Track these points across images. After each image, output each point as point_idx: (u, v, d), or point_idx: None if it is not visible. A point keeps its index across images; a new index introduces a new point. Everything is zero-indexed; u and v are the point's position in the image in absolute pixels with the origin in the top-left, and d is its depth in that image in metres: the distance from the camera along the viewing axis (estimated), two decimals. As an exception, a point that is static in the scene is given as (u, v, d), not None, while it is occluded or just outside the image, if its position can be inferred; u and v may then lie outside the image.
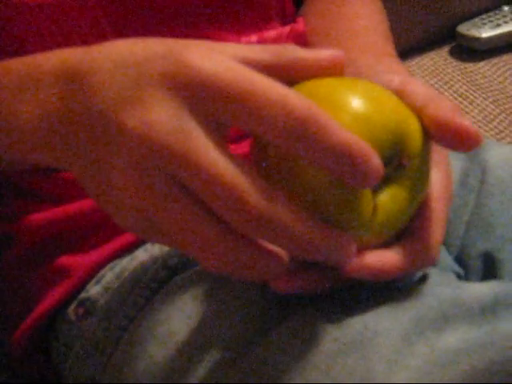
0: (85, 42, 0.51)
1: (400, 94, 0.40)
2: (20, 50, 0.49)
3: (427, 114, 0.39)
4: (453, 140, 0.38)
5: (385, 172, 0.37)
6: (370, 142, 0.36)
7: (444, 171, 0.44)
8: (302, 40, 0.61)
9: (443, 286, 0.43)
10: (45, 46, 0.49)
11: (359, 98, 0.37)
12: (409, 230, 0.41)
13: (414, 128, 0.39)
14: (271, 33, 0.58)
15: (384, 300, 0.42)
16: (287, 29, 0.59)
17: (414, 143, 0.39)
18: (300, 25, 0.62)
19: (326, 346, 0.40)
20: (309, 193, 0.37)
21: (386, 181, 0.39)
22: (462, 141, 0.38)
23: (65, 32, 0.50)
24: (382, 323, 0.40)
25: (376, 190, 0.39)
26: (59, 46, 0.49)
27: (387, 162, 0.38)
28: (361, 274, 0.39)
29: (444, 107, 0.39)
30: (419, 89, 0.41)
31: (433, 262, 0.41)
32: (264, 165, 0.38)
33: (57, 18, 0.50)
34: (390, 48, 0.59)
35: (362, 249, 0.39)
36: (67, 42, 0.50)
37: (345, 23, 0.61)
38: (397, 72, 0.46)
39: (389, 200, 0.39)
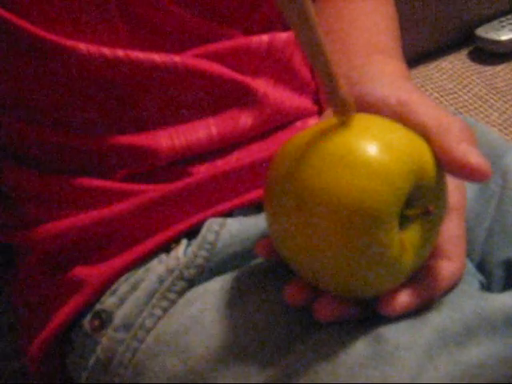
0: (93, 25, 0.50)
1: (401, 116, 0.41)
2: (29, 28, 0.49)
3: (436, 145, 0.40)
4: (461, 174, 0.39)
5: (409, 214, 0.39)
6: (393, 194, 0.37)
7: (453, 183, 0.43)
8: None
9: (466, 297, 0.43)
10: (54, 26, 0.49)
11: (375, 150, 0.38)
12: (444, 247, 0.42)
13: (428, 160, 0.40)
14: (282, 35, 0.57)
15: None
16: None
17: (431, 174, 0.40)
18: None
19: (347, 359, 0.40)
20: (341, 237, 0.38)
21: (409, 223, 0.40)
22: (469, 176, 0.39)
23: (73, 15, 0.50)
24: (403, 336, 0.40)
25: (402, 230, 0.39)
26: (67, 27, 0.49)
27: (410, 203, 0.39)
28: (399, 313, 0.40)
29: (451, 137, 0.40)
30: (423, 111, 0.42)
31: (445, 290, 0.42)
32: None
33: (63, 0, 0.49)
34: (394, 49, 0.58)
35: (393, 288, 0.40)
36: (75, 24, 0.50)
37: (349, 21, 0.61)
38: (400, 85, 0.45)
39: (416, 236, 0.40)
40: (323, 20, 0.62)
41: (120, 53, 0.50)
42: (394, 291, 0.40)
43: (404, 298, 0.40)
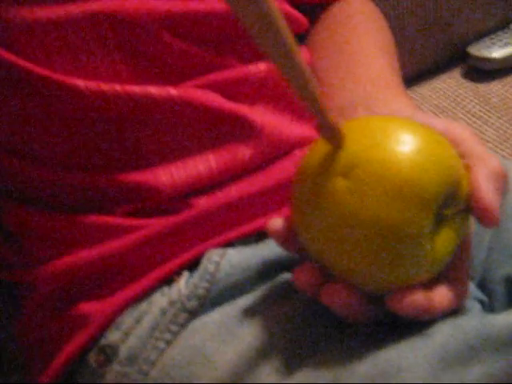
0: (93, 61, 0.51)
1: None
2: (27, 66, 0.50)
3: (471, 176, 0.42)
4: (474, 209, 0.41)
5: (446, 213, 0.40)
6: (427, 212, 0.39)
7: None
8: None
9: (467, 317, 0.43)
10: (52, 63, 0.50)
11: (410, 167, 0.39)
12: (449, 270, 0.43)
13: (462, 174, 0.41)
14: None
15: (406, 330, 0.42)
16: None
17: (464, 187, 0.41)
18: (304, 54, 0.62)
19: (350, 380, 0.40)
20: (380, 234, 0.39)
21: (442, 222, 0.41)
22: (479, 216, 0.41)
23: (72, 50, 0.51)
24: (406, 358, 0.40)
25: (434, 231, 0.40)
26: (66, 63, 0.50)
27: (446, 204, 0.40)
28: (406, 311, 0.40)
29: (484, 172, 0.41)
30: (467, 139, 0.44)
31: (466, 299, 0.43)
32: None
33: (65, 36, 0.50)
34: (396, 80, 0.59)
35: (411, 285, 0.41)
36: (74, 60, 0.51)
37: (351, 53, 0.61)
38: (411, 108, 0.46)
39: (444, 240, 0.41)
40: (324, 55, 0.63)
41: (118, 87, 0.50)
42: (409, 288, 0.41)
43: (417, 297, 0.41)
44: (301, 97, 0.36)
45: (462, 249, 0.43)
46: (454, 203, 0.41)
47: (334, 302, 0.41)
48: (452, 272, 0.43)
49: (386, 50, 0.63)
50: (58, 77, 0.50)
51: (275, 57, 0.34)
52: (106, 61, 0.51)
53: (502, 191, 0.42)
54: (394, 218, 0.38)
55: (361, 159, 0.39)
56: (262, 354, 0.44)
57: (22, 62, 0.49)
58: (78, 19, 0.50)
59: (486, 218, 0.41)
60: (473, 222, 0.44)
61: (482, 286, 0.55)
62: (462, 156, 0.42)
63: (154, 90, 0.51)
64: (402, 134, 0.40)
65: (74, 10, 0.49)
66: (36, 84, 0.50)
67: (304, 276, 0.42)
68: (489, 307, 0.53)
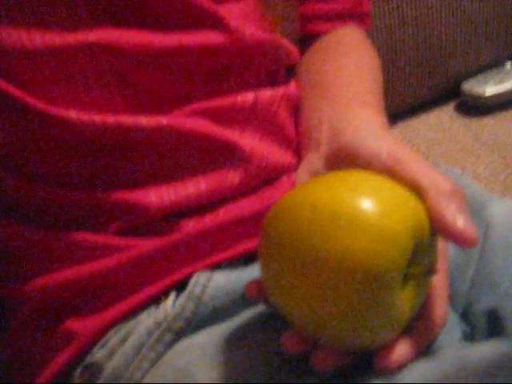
0: (88, 89, 0.52)
1: (392, 171, 0.44)
2: (22, 96, 0.50)
3: (427, 204, 0.42)
4: (447, 236, 0.42)
5: (413, 272, 0.41)
6: (400, 255, 0.39)
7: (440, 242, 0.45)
8: (294, 102, 0.63)
9: (446, 347, 0.44)
10: (48, 91, 0.51)
11: (381, 212, 0.39)
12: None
13: (424, 217, 0.41)
14: (267, 93, 0.59)
15: None
16: (281, 90, 0.61)
17: (428, 230, 0.41)
18: (292, 87, 0.63)
19: None
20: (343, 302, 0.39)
21: (408, 280, 0.41)
22: (455, 240, 0.41)
23: (69, 79, 0.51)
24: None
25: (403, 286, 0.41)
26: (62, 91, 0.51)
27: (412, 260, 0.40)
28: (396, 366, 0.41)
29: (443, 199, 0.42)
30: (415, 168, 0.44)
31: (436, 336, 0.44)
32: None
33: (62, 65, 0.51)
34: (374, 101, 0.60)
35: (387, 342, 0.41)
36: (70, 88, 0.52)
37: (333, 75, 0.63)
38: (388, 139, 0.48)
39: (413, 294, 0.41)
40: (306, 73, 0.65)
41: (109, 119, 0.52)
42: (390, 344, 0.41)
43: (401, 349, 0.41)
44: None
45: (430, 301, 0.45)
46: (420, 259, 0.41)
47: (326, 368, 0.42)
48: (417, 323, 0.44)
49: (367, 73, 0.65)
50: (51, 109, 0.51)
51: None
52: (100, 91, 0.52)
53: (465, 207, 0.43)
54: (369, 264, 0.38)
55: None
56: (246, 379, 0.45)
57: (17, 92, 0.50)
58: (75, 49, 0.51)
59: (461, 241, 0.41)
60: (448, 249, 0.45)
61: (464, 317, 0.56)
62: (410, 182, 0.43)
63: (144, 120, 0.52)
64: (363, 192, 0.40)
65: (71, 39, 0.50)
66: (29, 114, 0.51)
67: (291, 343, 0.43)
68: (470, 338, 0.54)
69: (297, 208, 0.41)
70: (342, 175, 0.43)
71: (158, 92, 0.54)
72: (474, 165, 0.95)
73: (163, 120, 0.53)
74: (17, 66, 0.50)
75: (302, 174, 0.56)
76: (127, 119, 0.52)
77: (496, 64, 1.08)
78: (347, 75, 0.63)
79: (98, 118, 0.51)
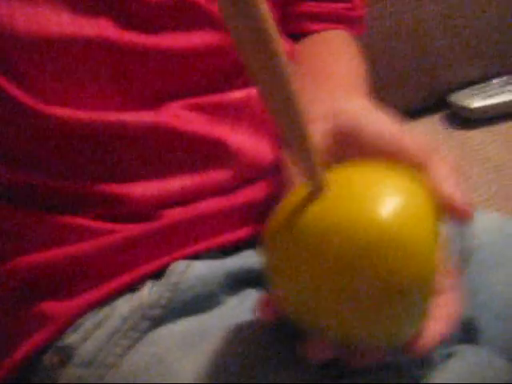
0: (79, 84, 0.52)
1: (394, 149, 0.44)
2: (19, 82, 0.50)
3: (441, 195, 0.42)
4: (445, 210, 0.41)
5: None
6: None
7: None
8: None
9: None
10: (38, 83, 0.51)
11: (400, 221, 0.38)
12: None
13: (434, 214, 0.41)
14: None
15: None
16: None
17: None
18: None
19: None
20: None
21: None
22: (451, 213, 0.42)
23: (61, 71, 0.51)
24: None
25: None
26: (53, 84, 0.51)
27: None
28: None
29: (441, 175, 0.42)
30: (415, 147, 0.44)
31: None
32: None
33: (56, 56, 0.51)
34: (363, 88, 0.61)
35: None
36: (61, 81, 0.51)
37: (321, 67, 0.63)
38: (386, 120, 0.47)
39: None
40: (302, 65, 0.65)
41: (95, 117, 0.51)
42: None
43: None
44: (291, 140, 0.36)
45: None
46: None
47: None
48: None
49: (357, 69, 0.65)
50: (39, 105, 0.51)
51: (277, 107, 0.35)
52: (91, 86, 0.52)
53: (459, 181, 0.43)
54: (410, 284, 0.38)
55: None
56: (219, 371, 0.45)
57: (6, 84, 0.50)
58: (72, 41, 0.50)
59: (459, 215, 0.41)
60: None
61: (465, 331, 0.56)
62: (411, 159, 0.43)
63: (129, 117, 0.52)
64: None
65: (68, 30, 0.50)
66: (15, 106, 0.51)
67: (316, 350, 0.41)
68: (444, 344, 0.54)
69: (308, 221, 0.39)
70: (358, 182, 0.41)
71: (149, 89, 0.54)
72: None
73: (146, 117, 0.53)
74: (8, 55, 0.50)
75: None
76: (113, 116, 0.52)
77: (484, 80, 1.09)
78: (339, 67, 0.63)
79: (84, 115, 0.51)
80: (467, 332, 0.55)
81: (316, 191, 0.39)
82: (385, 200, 0.39)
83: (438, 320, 0.42)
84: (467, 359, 0.45)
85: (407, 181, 0.41)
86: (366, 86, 0.62)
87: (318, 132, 0.46)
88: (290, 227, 0.39)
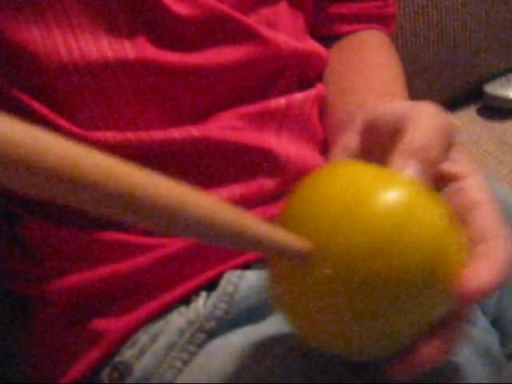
0: (124, 107, 0.52)
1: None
2: (60, 108, 0.51)
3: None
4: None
5: None
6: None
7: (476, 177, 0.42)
8: (322, 102, 0.63)
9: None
10: (88, 106, 0.51)
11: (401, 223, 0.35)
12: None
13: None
14: (298, 95, 0.59)
15: None
16: (312, 93, 0.61)
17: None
18: (321, 88, 0.63)
19: None
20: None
21: None
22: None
23: (106, 96, 0.51)
24: None
25: None
26: (98, 110, 0.51)
27: None
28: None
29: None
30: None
31: None
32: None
33: (99, 81, 0.51)
34: (399, 89, 0.60)
35: None
36: (106, 107, 0.52)
37: (360, 72, 0.63)
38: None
39: None
40: (332, 71, 0.65)
41: (143, 136, 0.52)
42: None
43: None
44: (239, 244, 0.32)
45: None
46: None
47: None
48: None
49: (392, 69, 0.64)
50: (86, 133, 0.51)
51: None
52: (138, 108, 0.53)
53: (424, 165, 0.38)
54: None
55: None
56: (284, 380, 0.44)
57: (49, 113, 0.51)
58: (114, 65, 0.51)
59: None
60: None
61: (495, 324, 0.56)
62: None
63: (176, 133, 0.52)
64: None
65: (110, 54, 0.50)
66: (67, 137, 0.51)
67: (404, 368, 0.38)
68: (501, 344, 0.53)
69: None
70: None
71: (193, 104, 0.54)
72: (497, 169, 0.95)
73: (195, 131, 0.53)
74: (52, 83, 0.50)
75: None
76: (160, 134, 0.52)
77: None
78: (375, 71, 0.63)
79: (132, 136, 0.51)
80: None
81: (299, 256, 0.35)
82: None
83: (487, 260, 0.36)
84: None
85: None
86: (404, 94, 0.61)
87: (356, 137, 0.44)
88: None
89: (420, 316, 0.37)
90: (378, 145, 0.42)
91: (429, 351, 0.37)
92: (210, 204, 0.29)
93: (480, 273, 0.35)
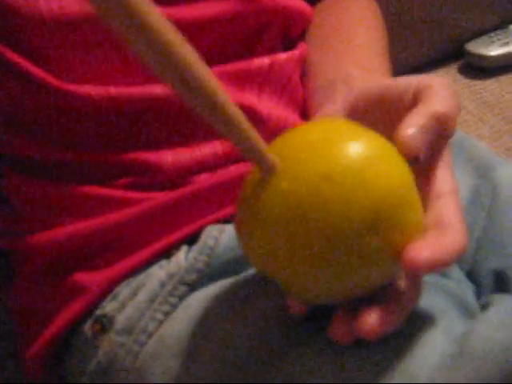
0: (106, 61, 0.52)
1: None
2: (44, 64, 0.51)
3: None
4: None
5: None
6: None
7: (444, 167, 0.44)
8: (303, 63, 0.63)
9: (454, 321, 0.44)
10: (64, 63, 0.51)
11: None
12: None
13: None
14: (282, 55, 0.59)
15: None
16: (295, 53, 0.61)
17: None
18: (303, 49, 0.63)
19: (349, 363, 0.41)
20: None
21: None
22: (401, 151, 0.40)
23: (87, 50, 0.51)
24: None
25: None
26: (79, 63, 0.51)
27: None
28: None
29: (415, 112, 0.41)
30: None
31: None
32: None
33: (80, 35, 0.51)
34: (384, 68, 0.60)
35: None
36: (87, 60, 0.52)
37: (343, 37, 0.63)
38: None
39: None
40: (314, 33, 0.64)
41: (124, 90, 0.52)
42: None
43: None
44: (231, 135, 0.36)
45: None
46: None
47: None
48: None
49: (376, 38, 0.64)
50: (67, 85, 0.51)
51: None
52: (118, 62, 0.53)
53: (435, 132, 0.41)
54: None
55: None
56: (262, 332, 0.45)
57: (30, 66, 0.51)
58: (95, 18, 0.50)
59: (403, 150, 0.39)
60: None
61: (470, 276, 0.57)
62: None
63: (158, 89, 0.52)
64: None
65: (87, 7, 0.49)
66: (43, 87, 0.51)
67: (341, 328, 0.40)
68: (477, 296, 0.54)
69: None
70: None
71: None
72: (478, 127, 0.95)
73: None
74: (33, 37, 0.50)
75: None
76: (142, 89, 0.52)
77: (500, 27, 1.08)
78: (359, 34, 0.63)
79: (113, 90, 0.51)
80: (499, 283, 0.55)
81: (267, 172, 0.38)
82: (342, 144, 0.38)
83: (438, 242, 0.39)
84: (505, 305, 0.45)
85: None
86: (385, 55, 0.62)
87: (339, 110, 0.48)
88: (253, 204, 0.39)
89: (363, 264, 0.38)
90: (382, 117, 0.45)
91: (370, 321, 0.38)
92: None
93: (426, 249, 0.37)
